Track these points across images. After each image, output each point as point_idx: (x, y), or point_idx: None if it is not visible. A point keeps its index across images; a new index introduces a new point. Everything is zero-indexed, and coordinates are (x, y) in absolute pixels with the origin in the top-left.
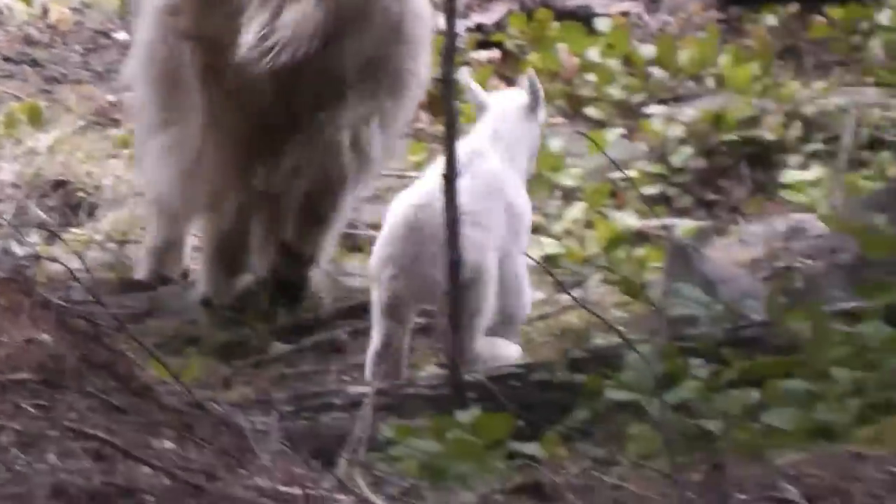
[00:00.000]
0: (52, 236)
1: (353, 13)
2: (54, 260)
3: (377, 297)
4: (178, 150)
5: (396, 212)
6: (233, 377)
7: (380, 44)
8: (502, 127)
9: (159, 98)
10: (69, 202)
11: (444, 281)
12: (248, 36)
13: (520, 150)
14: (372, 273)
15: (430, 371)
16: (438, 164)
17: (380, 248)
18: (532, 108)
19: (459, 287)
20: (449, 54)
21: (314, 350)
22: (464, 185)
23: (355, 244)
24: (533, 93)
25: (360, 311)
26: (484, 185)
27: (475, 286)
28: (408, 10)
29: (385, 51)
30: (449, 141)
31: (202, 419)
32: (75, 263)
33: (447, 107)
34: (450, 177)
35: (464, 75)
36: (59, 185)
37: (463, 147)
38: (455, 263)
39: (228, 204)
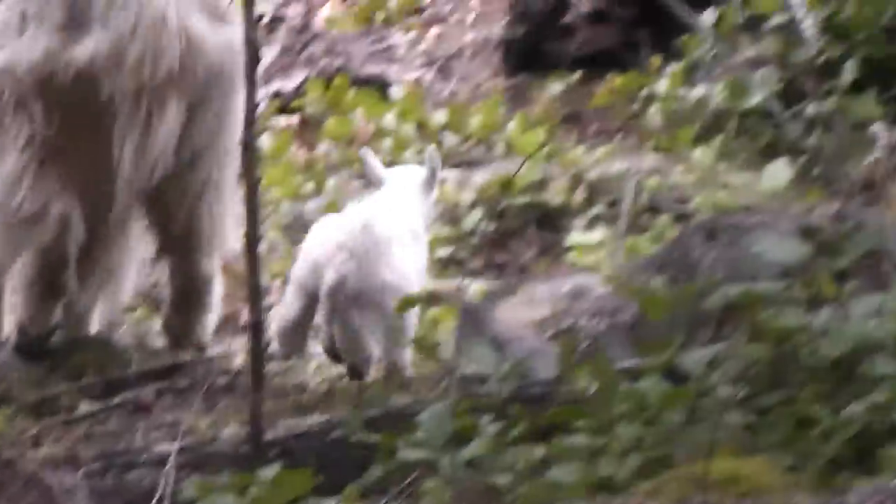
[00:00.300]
0: None
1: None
2: None
3: (303, 274)
4: None
5: (349, 214)
6: (42, 435)
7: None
8: (401, 199)
9: None
10: None
11: (393, 281)
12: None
13: (417, 220)
14: (310, 253)
15: (233, 429)
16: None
17: (330, 235)
18: (429, 182)
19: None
20: (250, 121)
21: (121, 409)
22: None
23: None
24: (431, 168)
25: (165, 372)
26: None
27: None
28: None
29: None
30: (250, 205)
31: (11, 477)
32: None
33: (248, 173)
34: (252, 242)
35: (365, 151)
36: None
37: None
38: (257, 325)
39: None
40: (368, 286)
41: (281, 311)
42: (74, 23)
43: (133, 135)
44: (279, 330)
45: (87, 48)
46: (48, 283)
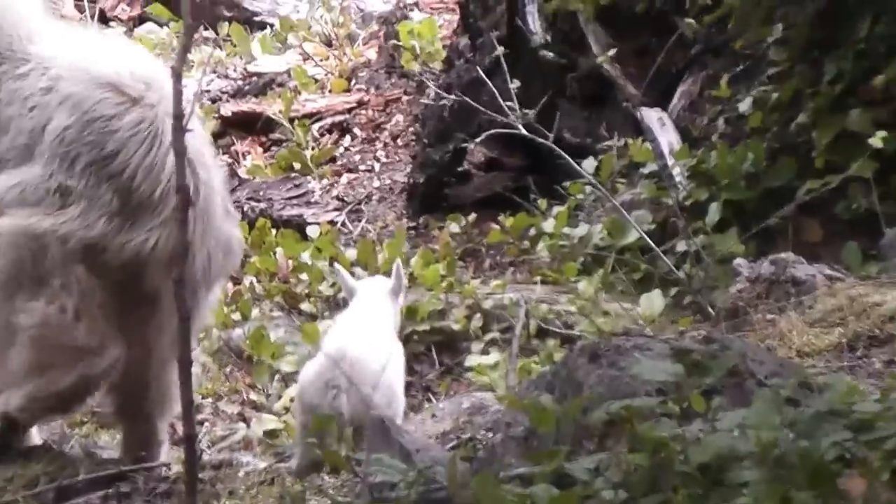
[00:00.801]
0: None
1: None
2: None
3: (304, 419)
4: None
5: (327, 349)
6: None
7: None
8: (372, 307)
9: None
10: None
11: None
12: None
13: (388, 325)
14: (305, 401)
15: None
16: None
17: (318, 378)
18: (395, 290)
19: None
20: (179, 255)
21: None
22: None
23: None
24: (397, 278)
25: (111, 479)
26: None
27: None
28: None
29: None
30: (183, 333)
31: None
32: None
33: (180, 304)
34: (185, 365)
35: (337, 267)
36: None
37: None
38: (190, 437)
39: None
40: (361, 410)
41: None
42: (129, 210)
43: (171, 321)
44: (298, 469)
45: (144, 238)
46: (69, 404)
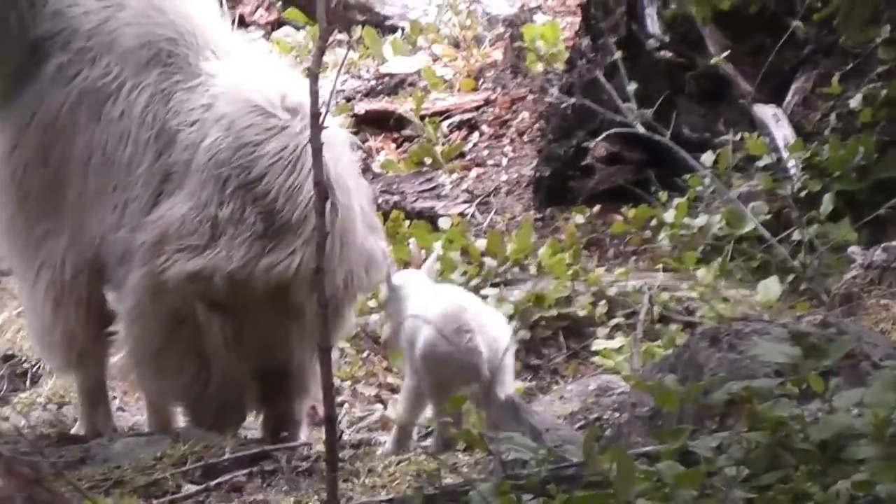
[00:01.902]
0: (2, 400)
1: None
2: (4, 419)
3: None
4: None
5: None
6: None
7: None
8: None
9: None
10: (16, 371)
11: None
12: None
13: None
14: (439, 353)
15: None
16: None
17: (448, 324)
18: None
19: None
20: (321, 245)
21: (218, 489)
22: None
23: None
24: (430, 270)
25: (255, 458)
26: None
27: None
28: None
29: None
30: (323, 319)
31: None
32: (22, 422)
33: (319, 293)
34: (325, 350)
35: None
36: (8, 357)
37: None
38: (331, 419)
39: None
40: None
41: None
42: (273, 230)
43: (314, 331)
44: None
45: (287, 258)
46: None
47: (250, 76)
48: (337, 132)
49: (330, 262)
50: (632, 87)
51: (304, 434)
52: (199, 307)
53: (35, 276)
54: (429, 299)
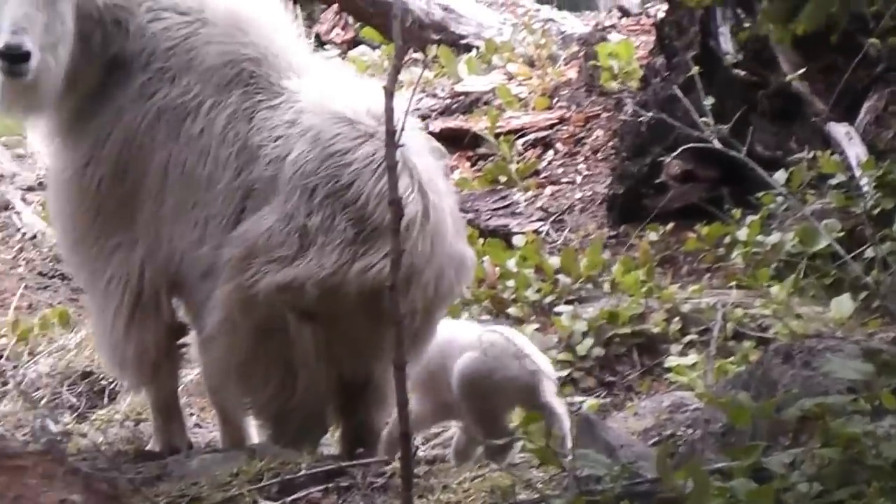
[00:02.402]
0: (81, 416)
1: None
2: (83, 435)
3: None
4: None
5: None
6: None
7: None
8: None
9: None
10: (94, 389)
11: None
12: None
13: None
14: (498, 380)
15: None
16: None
17: (503, 353)
18: None
19: None
20: (395, 262)
21: None
22: None
23: None
24: None
25: (330, 474)
26: None
27: None
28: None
29: None
30: (398, 336)
31: None
32: (100, 438)
33: (395, 309)
34: (400, 366)
35: None
36: (86, 375)
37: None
38: (406, 435)
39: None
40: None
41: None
42: (364, 235)
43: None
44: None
45: (379, 262)
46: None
47: (333, 90)
48: (421, 140)
49: (420, 264)
50: (708, 101)
51: (381, 450)
52: (289, 318)
53: (105, 291)
54: (453, 333)
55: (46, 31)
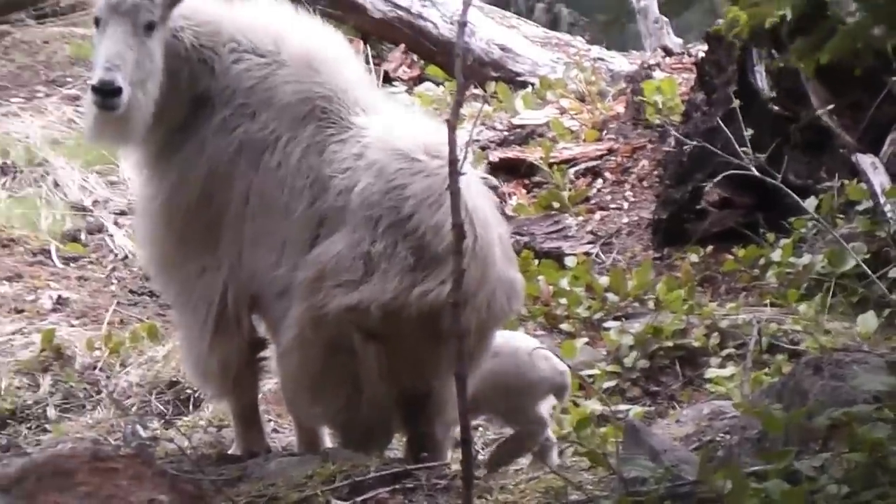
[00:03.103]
0: (168, 423)
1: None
2: (169, 440)
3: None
4: None
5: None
6: None
7: None
8: None
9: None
10: (180, 397)
11: None
12: None
13: None
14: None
15: None
16: None
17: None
18: None
19: None
20: (457, 276)
21: None
22: None
23: None
24: None
25: (397, 476)
26: None
27: None
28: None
29: None
30: (459, 350)
31: None
32: (185, 443)
33: (456, 324)
34: (461, 379)
35: None
36: (173, 384)
37: None
38: (466, 441)
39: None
40: None
41: None
42: (423, 262)
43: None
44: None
45: (437, 287)
46: (374, 439)
47: (396, 127)
48: (472, 174)
49: (472, 289)
50: (748, 132)
51: (445, 455)
52: (355, 337)
53: (192, 309)
54: None
55: (137, 68)
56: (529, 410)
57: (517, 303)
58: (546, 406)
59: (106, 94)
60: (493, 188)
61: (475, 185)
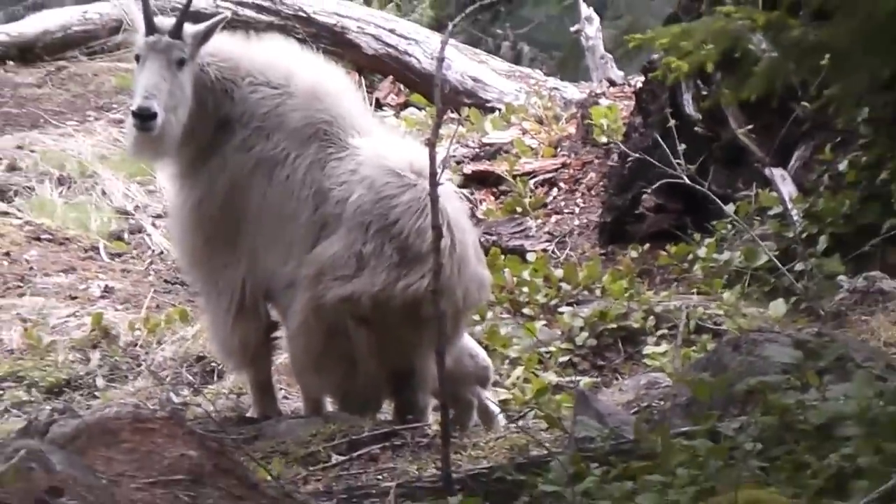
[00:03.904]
0: (196, 391)
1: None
2: (197, 405)
3: None
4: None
5: None
6: (309, 477)
7: None
8: None
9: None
10: (206, 369)
11: None
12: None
13: None
14: None
15: (431, 472)
16: None
17: None
18: None
19: None
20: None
21: (359, 459)
22: None
23: None
24: None
25: (387, 435)
26: None
27: None
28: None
29: None
30: (440, 328)
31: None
32: (210, 407)
33: (436, 306)
34: (441, 353)
35: None
36: (200, 359)
37: None
38: (444, 406)
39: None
40: None
41: None
42: (406, 260)
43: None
44: None
45: (418, 281)
46: (367, 406)
47: (386, 148)
48: (450, 189)
49: (450, 283)
50: (681, 147)
51: (427, 418)
52: (349, 323)
53: (217, 298)
54: None
55: (170, 97)
56: (461, 396)
57: (485, 294)
58: (476, 392)
59: (144, 118)
60: (468, 199)
61: (454, 200)
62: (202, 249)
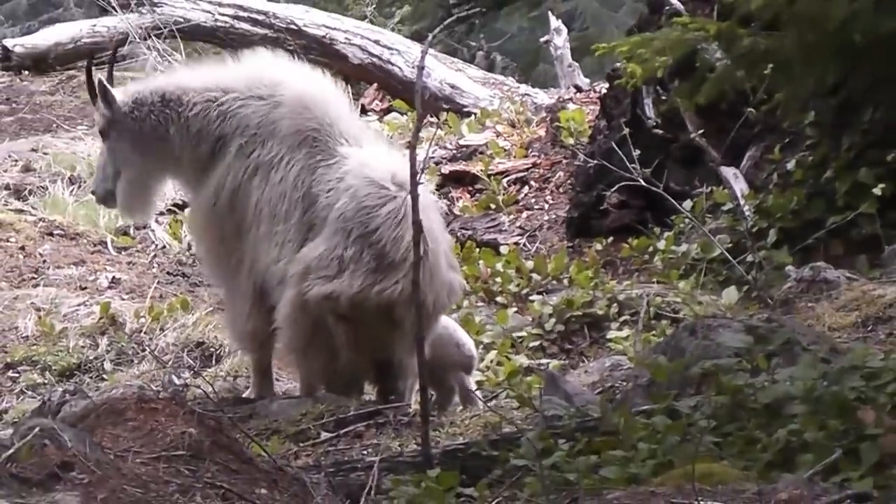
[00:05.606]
0: (196, 374)
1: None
2: (197, 387)
3: None
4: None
5: None
6: (299, 452)
7: None
8: None
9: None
10: (205, 354)
11: None
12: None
13: None
14: None
15: (412, 448)
16: None
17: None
18: None
19: None
20: (416, 261)
21: (346, 436)
22: None
23: None
24: None
25: (371, 414)
26: None
27: None
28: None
29: None
30: (418, 315)
31: (282, 477)
32: (209, 389)
33: (415, 291)
34: (420, 342)
35: None
36: (199, 344)
37: None
38: (424, 388)
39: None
40: None
41: None
42: (382, 267)
43: (410, 342)
44: None
45: (392, 287)
46: (350, 390)
47: (370, 160)
48: (428, 198)
49: (422, 289)
50: (636, 153)
51: (408, 399)
52: (330, 318)
53: (233, 291)
54: None
55: (103, 172)
56: (444, 382)
57: (455, 298)
58: (460, 378)
59: (99, 200)
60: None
61: (430, 210)
62: (217, 248)
